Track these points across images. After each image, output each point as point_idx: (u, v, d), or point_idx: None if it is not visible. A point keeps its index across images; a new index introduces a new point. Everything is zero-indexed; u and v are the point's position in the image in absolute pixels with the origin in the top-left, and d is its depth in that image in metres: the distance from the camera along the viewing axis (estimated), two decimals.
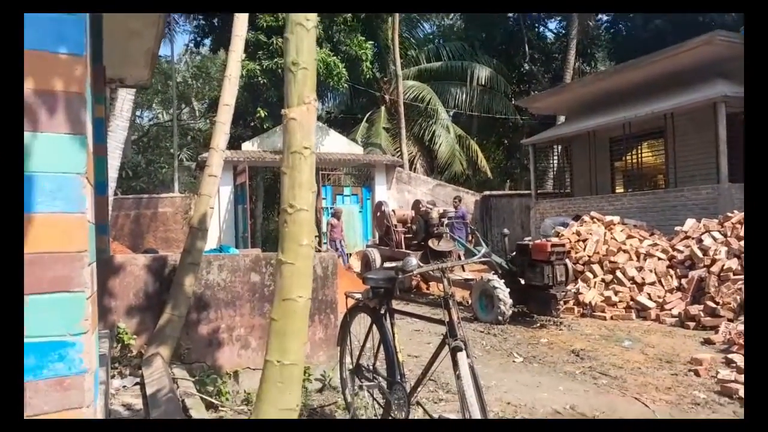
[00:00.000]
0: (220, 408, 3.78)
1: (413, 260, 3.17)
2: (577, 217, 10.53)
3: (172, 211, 14.09)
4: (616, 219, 9.41)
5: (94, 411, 1.68)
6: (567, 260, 7.02)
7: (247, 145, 15.62)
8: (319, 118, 20.74)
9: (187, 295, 4.07)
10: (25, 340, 1.49)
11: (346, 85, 16.67)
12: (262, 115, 15.47)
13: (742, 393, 4.05)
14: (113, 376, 3.70)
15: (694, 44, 10.86)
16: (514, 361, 5.28)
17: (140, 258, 4.41)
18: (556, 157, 16.85)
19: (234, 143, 16.35)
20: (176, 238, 13.44)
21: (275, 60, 14.97)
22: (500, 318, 6.85)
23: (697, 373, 4.70)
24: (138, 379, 3.69)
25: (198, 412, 3.16)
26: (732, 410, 3.86)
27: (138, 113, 21.12)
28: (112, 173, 8.64)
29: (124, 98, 9.37)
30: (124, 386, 3.69)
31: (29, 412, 1.49)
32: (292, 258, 1.85)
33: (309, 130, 1.92)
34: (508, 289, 6.94)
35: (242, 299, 4.45)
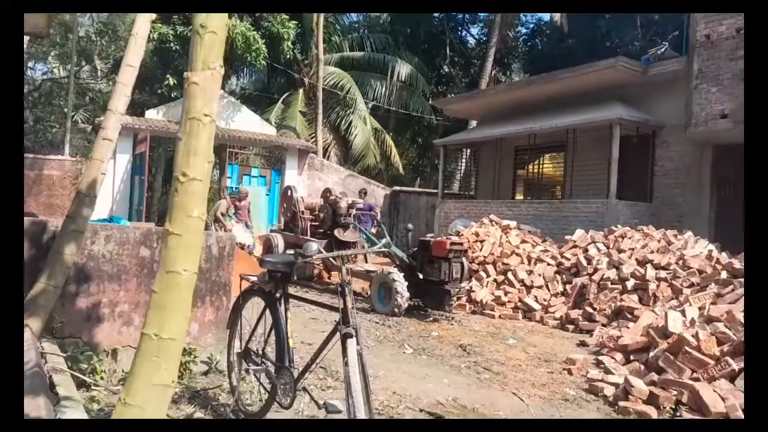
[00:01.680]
0: (93, 387, 3.55)
1: (314, 245, 3.14)
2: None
3: (59, 174, 12.99)
4: (513, 224, 9.90)
5: None
6: (464, 259, 7.28)
7: (151, 113, 14.75)
8: (232, 93, 20.03)
9: (66, 264, 3.77)
10: None
11: (264, 62, 16.19)
12: (171, 83, 14.68)
13: (606, 392, 4.40)
14: None
15: (599, 67, 11.64)
16: (404, 353, 5.40)
17: None
18: (464, 160, 17.41)
19: (137, 110, 15.40)
20: (61, 205, 12.39)
21: (191, 27, 14.23)
22: (396, 310, 6.99)
23: (570, 372, 5.05)
24: None
25: (66, 389, 2.94)
26: (596, 406, 4.19)
27: (30, 64, 19.26)
28: None
29: None
30: None
31: None
32: (179, 229, 1.76)
33: (211, 96, 1.84)
34: (407, 283, 7.09)
35: (129, 274, 4.20)
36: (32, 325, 3.51)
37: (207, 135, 1.82)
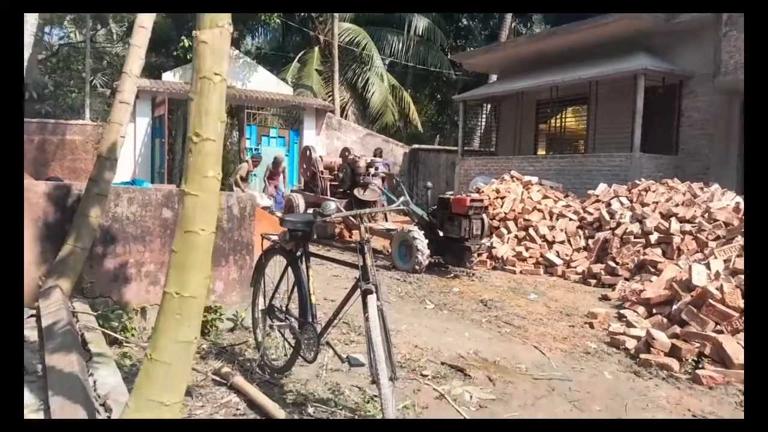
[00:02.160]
0: (124, 343, 3.67)
1: (332, 204, 3.15)
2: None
3: (81, 139, 13.14)
4: (535, 179, 9.77)
5: None
6: (484, 215, 7.24)
7: (168, 76, 14.71)
8: (247, 53, 19.85)
9: (92, 227, 3.85)
10: None
11: (278, 20, 15.94)
12: (186, 44, 14.56)
13: (628, 344, 4.41)
14: None
15: (622, 16, 11.19)
16: (425, 308, 5.46)
17: (39, 185, 4.11)
18: (485, 116, 17.11)
19: (154, 73, 15.38)
20: (85, 169, 12.58)
21: None
22: (417, 267, 7.03)
23: (591, 326, 5.06)
24: (34, 312, 3.50)
25: (98, 346, 3.04)
26: (618, 359, 4.20)
27: (47, 30, 19.24)
28: None
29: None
30: None
31: None
32: (195, 189, 1.77)
33: (221, 55, 1.81)
34: (427, 240, 7.10)
35: (153, 234, 4.27)
36: (62, 285, 3.63)
37: (218, 94, 1.80)
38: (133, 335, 3.77)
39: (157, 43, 15.48)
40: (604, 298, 6.28)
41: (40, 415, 2.20)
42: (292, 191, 11.65)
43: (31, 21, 8.71)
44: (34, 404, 2.29)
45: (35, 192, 3.94)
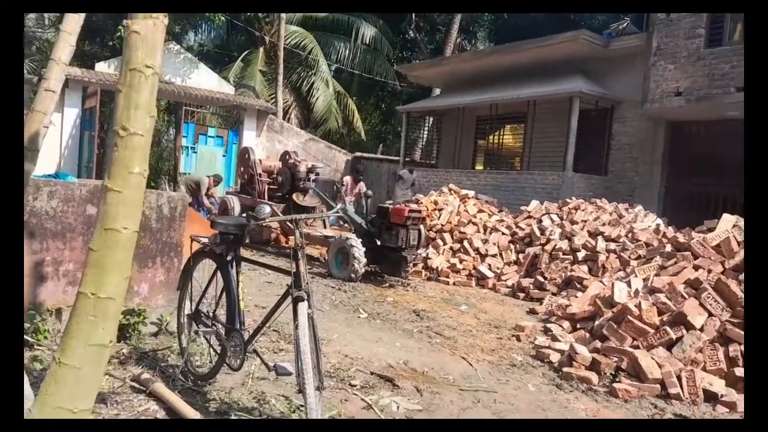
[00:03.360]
0: (36, 346, 3.45)
1: (267, 208, 3.08)
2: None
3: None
4: (471, 193, 10.00)
5: None
6: (422, 226, 7.32)
7: (102, 66, 14.05)
8: (189, 49, 19.27)
9: None
10: None
11: (223, 18, 15.59)
12: (123, 34, 14.00)
13: (552, 358, 4.55)
14: None
15: (562, 39, 11.69)
16: (359, 317, 5.44)
17: None
18: (427, 128, 17.37)
19: (88, 62, 14.67)
20: None
21: None
22: (353, 275, 7.01)
23: (518, 338, 5.20)
24: None
25: None
26: (542, 372, 4.33)
27: None
28: None
29: None
30: None
31: None
32: (119, 185, 1.68)
33: (154, 46, 1.74)
34: (364, 249, 7.10)
35: (74, 232, 4.04)
36: None
37: (149, 88, 1.73)
38: (45, 338, 3.55)
39: (92, 31, 14.81)
40: (532, 311, 6.47)
41: None
42: (227, 193, 11.36)
43: None
44: None
45: None
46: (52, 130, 11.38)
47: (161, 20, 1.75)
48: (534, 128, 12.50)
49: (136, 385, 3.06)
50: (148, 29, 1.73)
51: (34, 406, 1.67)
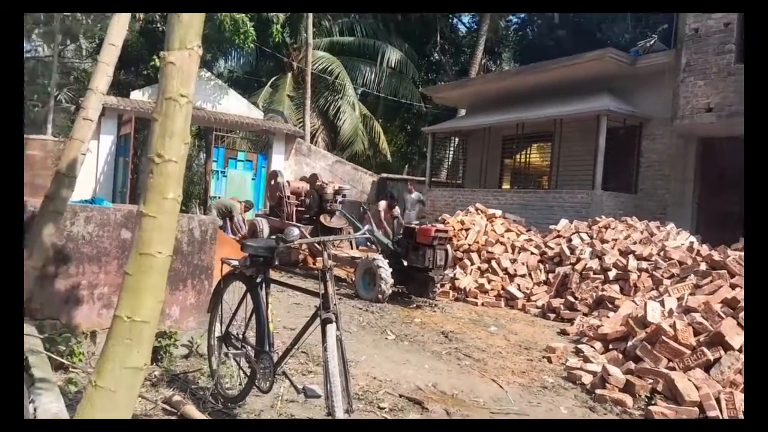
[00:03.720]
0: (71, 368, 3.53)
1: (296, 230, 3.13)
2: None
3: (41, 155, 12.75)
4: (499, 213, 9.94)
5: None
6: (448, 246, 7.30)
7: (136, 94, 14.53)
8: (219, 76, 19.79)
9: (44, 245, 3.72)
10: None
11: (252, 45, 15.99)
12: (157, 64, 14.45)
13: (585, 379, 4.46)
14: None
15: (588, 58, 11.65)
16: (386, 338, 5.42)
17: None
18: (452, 148, 17.40)
19: (123, 91, 15.18)
20: (44, 185, 12.13)
21: None
22: (380, 296, 7.00)
23: (549, 360, 5.11)
24: None
25: (42, 370, 2.91)
26: (574, 394, 4.24)
27: None
28: None
29: None
30: None
31: None
32: (154, 211, 1.73)
33: (188, 77, 1.80)
34: (391, 269, 7.10)
35: (109, 256, 4.15)
36: None
37: (183, 116, 1.79)
38: (80, 360, 3.63)
39: (128, 61, 15.34)
40: (563, 332, 6.36)
41: None
42: (257, 215, 11.53)
43: None
44: None
45: None
46: (89, 157, 11.73)
47: (196, 51, 1.82)
48: (561, 147, 12.41)
49: (168, 408, 3.10)
50: (183, 60, 1.79)
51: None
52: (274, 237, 3.30)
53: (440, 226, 7.87)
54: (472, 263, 8.52)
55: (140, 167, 15.27)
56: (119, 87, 15.20)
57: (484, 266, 8.44)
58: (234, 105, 15.84)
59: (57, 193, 3.85)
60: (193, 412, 3.02)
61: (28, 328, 3.56)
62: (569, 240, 8.46)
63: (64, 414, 2.42)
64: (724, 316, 4.53)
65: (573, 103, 12.06)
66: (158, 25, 14.48)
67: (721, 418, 3.71)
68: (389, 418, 3.34)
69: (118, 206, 6.11)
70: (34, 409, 2.41)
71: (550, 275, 7.97)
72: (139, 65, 15.68)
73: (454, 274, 8.27)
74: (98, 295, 4.08)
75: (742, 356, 4.14)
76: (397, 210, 11.15)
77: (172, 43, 1.82)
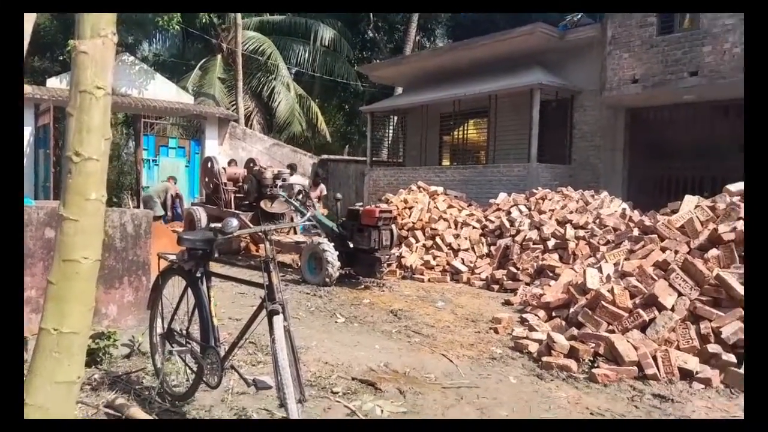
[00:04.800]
0: None
1: (234, 221, 3.02)
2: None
3: None
4: (440, 189, 10.04)
5: None
6: (393, 226, 7.31)
7: (53, 82, 13.64)
8: (144, 60, 18.88)
9: None
10: None
11: (178, 27, 15.31)
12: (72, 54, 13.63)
13: (531, 348, 4.59)
14: None
15: (519, 33, 11.84)
16: (336, 322, 5.40)
17: None
18: (392, 127, 17.39)
19: (38, 78, 14.21)
20: None
21: None
22: (327, 280, 6.95)
23: (496, 331, 5.23)
24: None
25: None
26: (521, 363, 4.36)
27: None
28: None
29: None
30: None
31: None
32: (76, 213, 1.61)
33: (104, 66, 1.67)
34: (337, 252, 7.05)
35: (34, 257, 3.91)
36: None
37: (101, 109, 1.66)
38: None
39: (42, 46, 14.35)
40: (507, 303, 6.53)
41: None
42: (193, 204, 11.17)
43: None
44: None
45: None
46: None
47: (110, 38, 1.68)
48: (497, 122, 12.63)
49: (111, 412, 2.96)
50: (96, 49, 1.65)
51: None
52: (211, 228, 3.16)
53: (384, 206, 7.87)
54: (417, 241, 8.59)
55: (62, 159, 14.45)
56: (34, 74, 14.23)
57: (429, 243, 8.53)
58: (162, 90, 15.17)
59: None
60: (139, 413, 2.91)
61: None
62: (508, 213, 8.66)
63: None
64: (656, 278, 4.75)
65: (506, 78, 12.26)
66: None
67: (659, 374, 3.92)
68: (343, 402, 3.33)
69: (40, 203, 5.75)
70: None
71: (492, 248, 8.15)
72: (54, 50, 14.73)
73: (400, 253, 8.32)
74: (25, 299, 3.84)
75: (675, 315, 4.37)
76: (323, 188, 11.01)
77: (83, 31, 1.67)
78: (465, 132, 14.29)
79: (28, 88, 12.58)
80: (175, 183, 12.53)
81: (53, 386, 1.58)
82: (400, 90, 18.48)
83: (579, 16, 12.63)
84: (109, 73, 1.70)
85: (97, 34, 1.66)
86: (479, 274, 7.79)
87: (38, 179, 12.97)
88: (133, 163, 15.10)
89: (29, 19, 3.90)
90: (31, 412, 1.58)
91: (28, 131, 12.86)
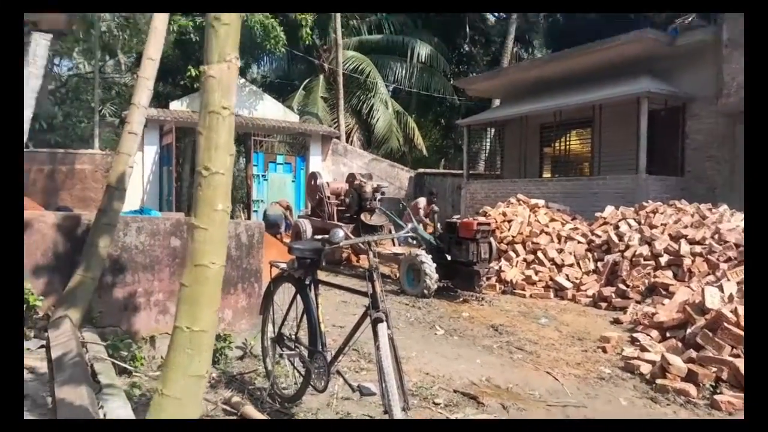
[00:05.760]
0: (134, 373, 3.64)
1: (340, 232, 3.15)
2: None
3: (91, 168, 13.26)
4: (541, 202, 9.77)
5: None
6: (492, 239, 7.22)
7: (175, 105, 14.90)
8: (253, 81, 20.10)
9: (101, 257, 3.86)
10: None
11: (283, 49, 16.16)
12: (193, 73, 14.78)
13: (643, 369, 4.33)
14: None
15: (624, 41, 11.30)
16: (435, 334, 5.40)
17: (49, 216, 4.13)
18: (489, 140, 17.20)
19: (162, 102, 15.57)
20: (95, 198, 12.67)
21: None
22: (426, 292, 6.98)
23: (604, 350, 4.98)
24: (44, 342, 3.49)
25: (108, 376, 3.02)
26: (633, 384, 4.13)
27: (56, 61, 19.58)
28: (25, 125, 7.94)
29: (38, 43, 8.59)
30: (28, 349, 3.48)
31: None
32: (205, 223, 1.77)
33: (229, 89, 1.82)
34: (435, 264, 7.07)
35: (161, 264, 4.27)
36: (72, 315, 3.61)
37: (227, 128, 1.81)
38: (142, 365, 3.75)
39: (165, 72, 15.69)
40: (616, 321, 6.20)
41: None
42: (299, 217, 11.68)
43: (41, 53, 8.87)
44: None
45: (45, 223, 3.96)
46: (135, 167, 12.15)
47: (234, 62, 1.84)
48: (602, 132, 12.09)
49: (228, 408, 3.16)
50: (222, 72, 1.81)
51: None
52: (319, 238, 3.32)
53: (482, 219, 7.78)
54: (518, 255, 8.40)
55: (183, 175, 15.65)
56: (158, 98, 15.59)
57: (530, 257, 8.30)
58: (270, 109, 16.06)
59: (109, 206, 3.98)
60: (253, 412, 3.07)
61: (91, 336, 3.69)
62: (616, 227, 8.24)
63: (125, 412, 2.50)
64: None
65: (611, 87, 11.72)
66: (191, 35, 14.76)
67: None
68: (445, 414, 3.32)
69: (166, 215, 6.30)
70: (104, 415, 2.49)
71: (599, 264, 7.78)
72: (176, 76, 16.02)
73: (500, 267, 8.17)
74: (154, 301, 4.21)
75: None
76: (435, 206, 11.10)
77: (210, 57, 1.84)
78: (567, 143, 13.82)
79: (153, 111, 13.83)
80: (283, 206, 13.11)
81: (186, 379, 1.74)
82: (497, 102, 18.25)
83: (690, 17, 11.84)
84: (233, 95, 1.86)
85: (223, 59, 1.82)
86: (585, 290, 7.46)
87: (162, 193, 14.15)
88: (244, 178, 16.04)
89: (156, 50, 4.31)
90: (166, 402, 1.75)
91: (153, 150, 14.12)
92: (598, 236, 8.23)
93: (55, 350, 3.13)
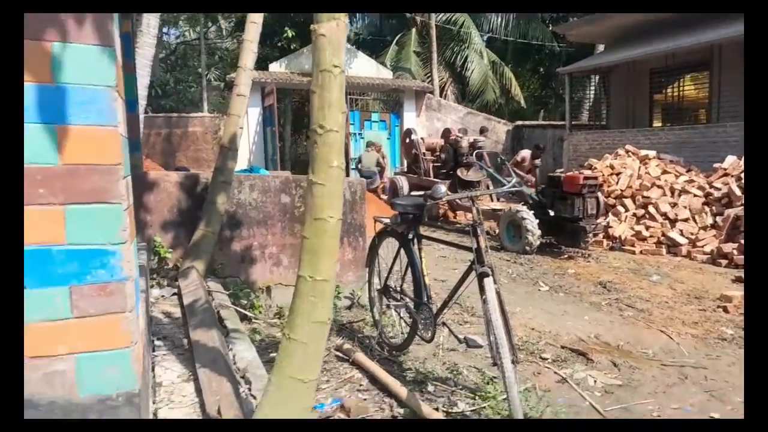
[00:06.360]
0: (253, 320, 3.93)
1: (442, 188, 3.14)
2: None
3: (201, 130, 14.13)
4: (652, 153, 9.14)
5: (136, 316, 1.74)
6: (599, 194, 6.90)
7: (274, 66, 15.33)
8: (347, 39, 20.15)
9: (219, 212, 4.14)
10: (68, 246, 1.53)
11: None
12: (290, 35, 15.09)
13: None
14: (152, 287, 3.85)
15: None
16: (539, 290, 5.32)
17: (173, 175, 4.46)
18: (592, 88, 16.19)
19: (261, 64, 16.06)
20: (206, 158, 13.57)
21: None
22: (527, 248, 6.85)
23: (725, 310, 4.67)
24: (175, 290, 3.84)
25: (233, 322, 3.28)
26: None
27: (165, 30, 20.73)
28: (142, 91, 8.52)
29: (150, 14, 9.10)
30: (162, 296, 3.85)
31: (76, 314, 1.55)
32: (322, 179, 1.83)
33: (338, 47, 1.84)
34: (537, 220, 6.89)
35: (273, 219, 4.52)
36: (197, 266, 3.94)
37: (338, 86, 1.83)
38: (260, 312, 4.03)
39: (263, 35, 16.17)
40: (739, 280, 5.76)
41: (190, 385, 2.42)
42: (395, 174, 11.78)
43: (152, 23, 9.39)
44: (184, 374, 2.53)
45: (170, 182, 4.29)
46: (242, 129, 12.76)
47: (342, 20, 1.84)
48: (721, 75, 10.97)
49: (340, 355, 3.34)
50: (332, 31, 1.82)
51: (273, 376, 1.91)
52: (419, 194, 3.34)
53: (588, 173, 7.45)
54: (627, 210, 7.98)
55: (284, 135, 16.20)
56: (258, 61, 16.14)
57: (640, 212, 7.85)
58: (363, 67, 16.09)
59: (224, 165, 4.23)
60: (363, 359, 3.22)
61: (215, 285, 4.02)
62: (739, 178, 7.55)
63: (257, 360, 2.71)
64: None
65: (732, 25, 10.52)
66: None
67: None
68: (553, 369, 3.30)
69: (275, 173, 6.60)
70: (233, 356, 2.73)
71: (718, 218, 7.21)
72: (273, 38, 16.44)
73: (607, 222, 7.81)
74: (268, 254, 4.48)
75: None
76: (538, 160, 10.73)
77: (320, 16, 1.85)
78: (680, 89, 12.70)
79: (254, 73, 14.34)
80: (377, 149, 12.95)
81: (310, 325, 1.85)
82: (601, 48, 17.05)
83: None
84: (343, 52, 1.88)
85: (333, 17, 1.83)
86: (702, 247, 6.98)
87: (267, 153, 14.80)
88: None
89: (258, 14, 4.42)
90: (294, 346, 1.87)
91: (256, 111, 14.71)
92: (718, 189, 7.60)
93: (186, 297, 3.44)
